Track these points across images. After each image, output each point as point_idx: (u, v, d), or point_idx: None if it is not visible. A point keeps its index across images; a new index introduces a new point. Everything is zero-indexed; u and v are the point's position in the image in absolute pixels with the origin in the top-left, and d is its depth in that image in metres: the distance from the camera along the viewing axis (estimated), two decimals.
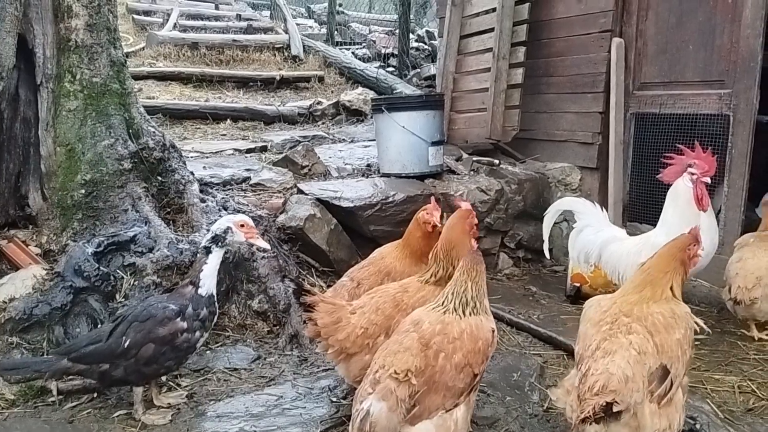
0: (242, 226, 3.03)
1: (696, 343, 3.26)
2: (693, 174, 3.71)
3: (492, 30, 5.94)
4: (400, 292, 2.81)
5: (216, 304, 2.99)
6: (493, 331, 2.36)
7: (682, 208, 3.72)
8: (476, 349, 2.27)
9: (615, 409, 2.17)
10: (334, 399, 3.03)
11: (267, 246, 3.19)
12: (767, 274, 3.74)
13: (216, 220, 3.24)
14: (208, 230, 3.20)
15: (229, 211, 4.20)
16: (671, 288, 2.52)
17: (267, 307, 3.83)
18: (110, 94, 4.01)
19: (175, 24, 10.89)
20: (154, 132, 4.23)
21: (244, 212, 4.15)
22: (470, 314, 2.33)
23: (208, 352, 3.53)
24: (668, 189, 3.92)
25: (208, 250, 2.97)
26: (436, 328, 2.30)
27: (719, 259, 4.46)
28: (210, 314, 2.94)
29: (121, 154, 3.93)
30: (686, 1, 4.94)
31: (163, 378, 3.12)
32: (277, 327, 3.80)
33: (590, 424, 2.23)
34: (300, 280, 4.19)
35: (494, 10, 5.92)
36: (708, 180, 3.70)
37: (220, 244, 2.97)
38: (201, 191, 4.35)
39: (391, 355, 2.27)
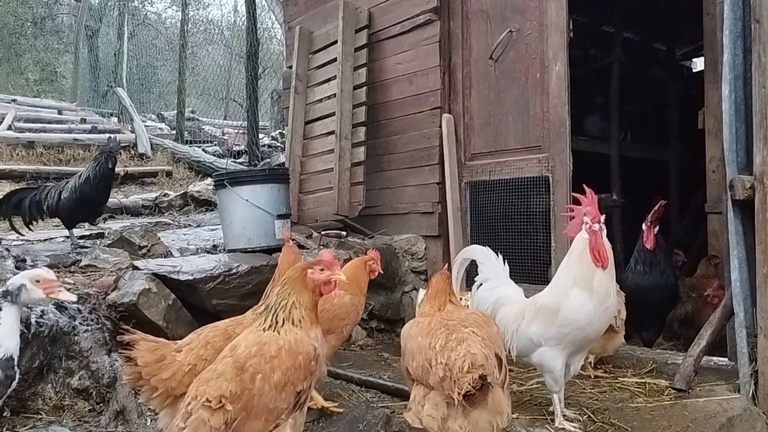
0: (38, 281, 2.73)
1: None
2: (587, 224, 3.22)
3: (334, 114, 6.21)
4: (232, 325, 2.65)
5: (15, 368, 2.65)
6: (315, 348, 2.25)
7: (571, 263, 3.24)
8: (296, 365, 2.15)
9: (489, 380, 2.35)
10: None
11: (72, 297, 2.92)
12: None
13: None
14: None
15: None
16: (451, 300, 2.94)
17: (89, 383, 3.45)
18: None
19: (10, 126, 10.33)
20: None
21: (68, 290, 3.81)
22: (289, 327, 2.22)
23: None
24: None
25: None
26: (252, 350, 2.16)
27: None
28: (6, 378, 2.58)
29: None
30: (502, 79, 5.46)
31: None
32: (101, 404, 3.42)
33: (469, 397, 2.35)
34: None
35: (335, 95, 6.22)
36: (597, 227, 3.19)
37: (10, 299, 2.68)
38: (17, 268, 3.97)
39: (203, 384, 2.09)
